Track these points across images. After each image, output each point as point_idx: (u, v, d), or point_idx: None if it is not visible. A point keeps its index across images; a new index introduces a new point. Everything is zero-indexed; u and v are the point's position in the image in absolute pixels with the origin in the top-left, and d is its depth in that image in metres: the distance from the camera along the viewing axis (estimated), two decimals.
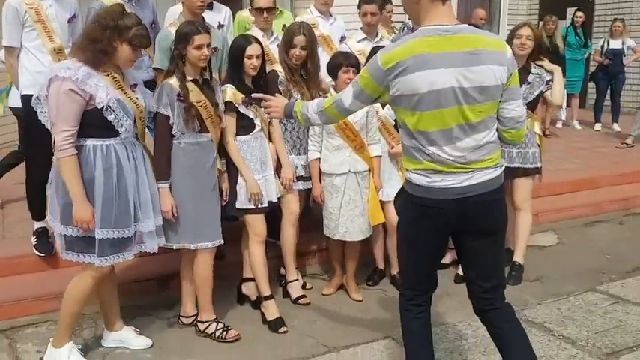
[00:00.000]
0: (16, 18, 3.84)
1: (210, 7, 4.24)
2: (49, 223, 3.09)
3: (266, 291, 3.57)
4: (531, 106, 4.05)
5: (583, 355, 3.21)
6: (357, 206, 3.74)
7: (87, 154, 2.87)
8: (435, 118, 2.24)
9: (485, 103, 2.26)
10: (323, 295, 4.00)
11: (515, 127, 2.38)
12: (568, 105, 9.29)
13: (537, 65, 4.09)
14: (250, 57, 3.39)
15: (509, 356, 2.48)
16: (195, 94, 3.18)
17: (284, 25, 4.59)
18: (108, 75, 2.90)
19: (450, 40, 2.23)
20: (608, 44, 8.78)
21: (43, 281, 3.62)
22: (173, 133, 3.17)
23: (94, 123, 2.85)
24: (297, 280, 3.95)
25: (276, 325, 3.49)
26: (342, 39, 4.62)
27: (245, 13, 4.76)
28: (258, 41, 3.48)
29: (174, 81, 3.15)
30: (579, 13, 8.97)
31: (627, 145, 7.68)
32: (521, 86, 3.99)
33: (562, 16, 9.63)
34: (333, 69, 3.73)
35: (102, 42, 2.82)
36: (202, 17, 4.02)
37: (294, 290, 3.91)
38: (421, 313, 2.60)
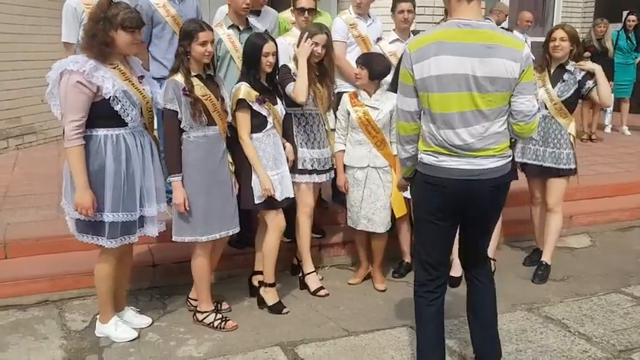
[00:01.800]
0: (75, 16, 4.20)
1: (257, 13, 4.48)
2: (63, 207, 3.20)
3: (271, 279, 3.73)
4: (568, 105, 4.11)
5: (595, 351, 3.28)
6: (378, 199, 3.89)
7: (98, 143, 3.05)
8: (450, 101, 2.45)
9: (495, 93, 2.45)
10: (349, 284, 4.18)
11: (524, 120, 2.53)
12: (618, 109, 9.13)
13: (577, 66, 4.10)
14: (267, 54, 3.50)
15: (474, 306, 2.91)
16: (200, 89, 3.30)
17: None
18: (115, 68, 3.07)
19: (469, 33, 2.45)
20: None
21: (90, 258, 3.88)
22: (182, 127, 3.27)
23: (103, 114, 3.03)
24: (314, 272, 4.07)
25: (277, 308, 3.70)
26: (379, 40, 4.75)
27: (286, 14, 4.97)
28: (272, 39, 3.61)
29: (179, 77, 3.27)
30: (632, 17, 8.78)
31: None
32: (555, 85, 4.09)
33: (618, 20, 9.44)
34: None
35: (98, 35, 2.99)
36: (246, 19, 4.28)
37: (313, 282, 4.03)
38: (434, 301, 2.74)
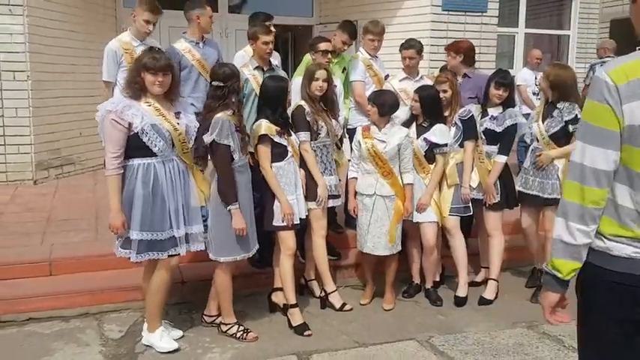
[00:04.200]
0: (115, 59, 4.71)
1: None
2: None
3: (292, 300, 4.02)
4: (554, 139, 4.41)
5: None
6: (383, 225, 4.23)
7: (132, 171, 3.48)
8: None
9: None
10: (361, 304, 4.48)
11: None
12: None
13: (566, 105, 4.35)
14: (289, 93, 3.98)
15: None
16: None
17: (344, 68, 5.26)
18: (149, 105, 3.50)
19: None
20: None
21: (126, 276, 4.33)
22: (235, 159, 3.69)
23: (135, 145, 3.45)
24: (336, 290, 4.40)
25: (300, 329, 3.96)
26: (387, 78, 5.18)
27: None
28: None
29: (226, 115, 3.62)
30: None
31: None
32: (544, 121, 4.44)
33: None
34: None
35: (131, 76, 3.54)
36: (269, 61, 4.73)
37: (336, 300, 4.36)
38: None
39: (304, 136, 4.11)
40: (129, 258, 3.59)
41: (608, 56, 7.23)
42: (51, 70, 7.13)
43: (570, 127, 4.36)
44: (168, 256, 3.60)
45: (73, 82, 7.42)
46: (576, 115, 4.36)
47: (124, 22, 7.47)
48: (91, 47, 7.45)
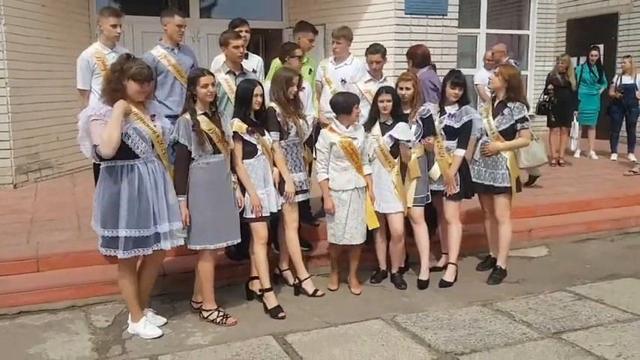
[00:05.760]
0: (88, 67, 4.97)
1: (246, 56, 5.25)
2: (92, 226, 3.84)
3: (267, 284, 4.35)
4: (505, 135, 4.83)
5: (533, 334, 3.95)
6: (359, 215, 4.57)
7: (116, 172, 3.70)
8: None
9: None
10: (330, 290, 4.82)
11: None
12: (585, 136, 9.90)
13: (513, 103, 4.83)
14: (256, 95, 4.25)
15: None
16: (206, 124, 3.98)
17: (310, 70, 5.62)
18: None
19: None
20: (621, 80, 9.41)
21: (108, 270, 4.58)
22: (193, 156, 3.95)
23: (118, 148, 3.60)
24: (309, 278, 4.73)
25: (275, 312, 4.29)
26: (344, 81, 5.54)
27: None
28: (260, 83, 4.39)
29: (188, 116, 3.97)
30: (594, 52, 9.60)
31: (635, 172, 8.23)
32: (495, 117, 4.84)
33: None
34: (348, 106, 4.55)
35: (112, 82, 3.69)
36: (241, 65, 5.04)
37: (309, 286, 4.70)
38: None
39: (275, 135, 4.43)
40: (115, 256, 3.81)
41: (510, 58, 8.07)
42: (28, 76, 7.33)
43: (518, 126, 4.80)
44: (153, 251, 3.85)
45: (49, 87, 7.64)
46: (524, 116, 4.80)
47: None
48: (65, 53, 7.66)
